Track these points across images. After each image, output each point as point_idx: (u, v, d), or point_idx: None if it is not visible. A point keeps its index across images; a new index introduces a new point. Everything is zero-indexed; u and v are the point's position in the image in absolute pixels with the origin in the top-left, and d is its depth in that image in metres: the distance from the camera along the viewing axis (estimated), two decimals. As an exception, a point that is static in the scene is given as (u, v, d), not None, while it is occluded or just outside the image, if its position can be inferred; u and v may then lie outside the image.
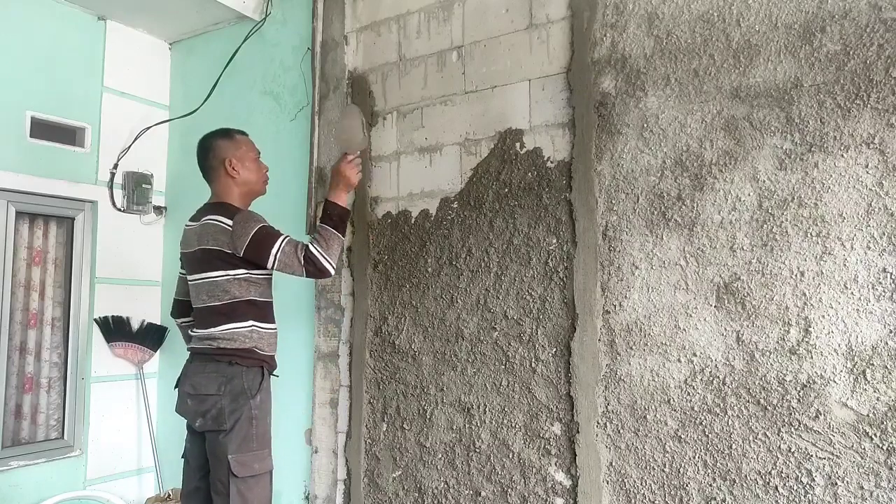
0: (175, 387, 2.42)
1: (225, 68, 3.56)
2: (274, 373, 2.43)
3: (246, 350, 2.30)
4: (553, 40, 2.55)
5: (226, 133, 2.45)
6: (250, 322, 2.32)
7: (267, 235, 2.27)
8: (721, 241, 2.14)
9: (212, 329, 2.30)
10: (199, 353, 2.35)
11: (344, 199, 2.41)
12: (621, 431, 2.28)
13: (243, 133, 2.49)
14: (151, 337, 3.70)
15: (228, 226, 2.26)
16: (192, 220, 2.43)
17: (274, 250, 2.24)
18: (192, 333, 2.41)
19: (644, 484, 2.23)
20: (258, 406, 2.28)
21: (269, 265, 2.26)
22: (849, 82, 1.96)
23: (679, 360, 2.19)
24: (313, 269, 2.26)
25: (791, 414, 1.99)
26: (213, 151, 2.41)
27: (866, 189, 1.92)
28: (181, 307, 2.59)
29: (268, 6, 3.49)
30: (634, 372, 2.27)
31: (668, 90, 2.27)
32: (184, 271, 2.52)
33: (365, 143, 2.54)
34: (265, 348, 2.36)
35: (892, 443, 1.85)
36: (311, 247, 2.27)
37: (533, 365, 2.49)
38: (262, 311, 2.37)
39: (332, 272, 2.28)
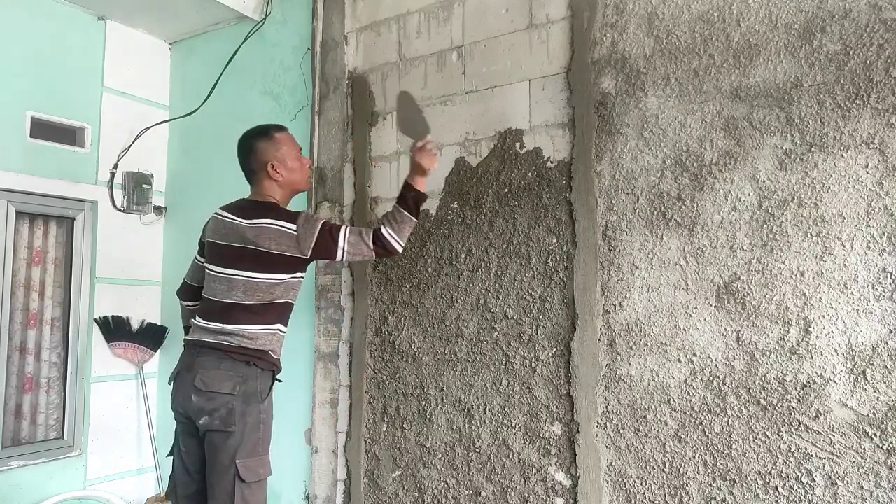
0: (170, 381, 2.31)
1: (225, 68, 3.56)
2: (278, 377, 2.38)
3: (262, 352, 2.26)
4: (553, 40, 2.55)
5: (265, 133, 2.37)
6: (276, 324, 2.30)
7: (330, 231, 2.28)
8: (721, 241, 2.14)
9: (234, 325, 2.23)
10: (211, 348, 2.24)
11: (421, 184, 2.36)
12: (621, 431, 2.28)
13: (282, 128, 2.41)
14: (151, 337, 3.70)
15: (293, 230, 2.23)
16: (229, 211, 2.34)
17: (341, 243, 2.27)
18: (200, 324, 2.31)
19: (644, 484, 2.23)
20: (265, 410, 2.25)
21: (339, 258, 2.29)
22: (849, 82, 1.96)
23: (679, 360, 2.19)
24: (382, 250, 2.30)
25: (791, 414, 1.99)
26: (254, 154, 2.34)
27: (866, 189, 1.92)
28: (192, 292, 2.52)
29: (268, 6, 3.49)
30: (634, 372, 2.27)
31: (668, 90, 2.27)
32: (202, 258, 2.44)
33: (428, 129, 2.47)
34: (277, 351, 2.33)
35: (892, 443, 1.85)
36: (382, 229, 2.28)
37: (533, 365, 2.49)
38: (288, 315, 2.37)
39: (400, 251, 2.33)
